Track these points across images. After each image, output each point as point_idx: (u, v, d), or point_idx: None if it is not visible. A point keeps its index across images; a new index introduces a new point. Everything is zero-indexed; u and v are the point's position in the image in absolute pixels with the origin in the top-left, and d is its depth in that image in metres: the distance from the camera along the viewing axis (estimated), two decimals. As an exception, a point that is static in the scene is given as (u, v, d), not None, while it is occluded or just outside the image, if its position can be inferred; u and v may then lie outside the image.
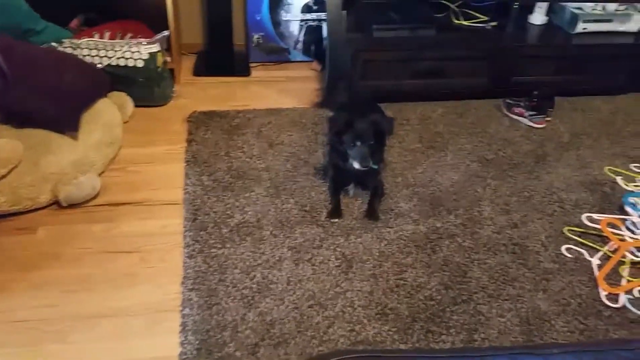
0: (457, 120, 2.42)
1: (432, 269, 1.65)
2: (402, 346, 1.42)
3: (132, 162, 2.09)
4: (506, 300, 1.56)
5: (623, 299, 1.57)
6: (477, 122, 2.41)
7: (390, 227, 1.80)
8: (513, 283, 1.62)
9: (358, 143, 1.82)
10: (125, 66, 2.35)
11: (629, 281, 1.64)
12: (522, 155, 2.20)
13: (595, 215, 1.86)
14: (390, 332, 1.45)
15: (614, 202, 1.95)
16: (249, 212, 1.82)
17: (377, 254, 1.69)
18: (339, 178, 1.93)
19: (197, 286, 1.55)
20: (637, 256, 1.71)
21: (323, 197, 1.91)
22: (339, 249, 1.70)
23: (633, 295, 1.59)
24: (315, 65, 2.83)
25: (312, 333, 1.43)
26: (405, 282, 1.60)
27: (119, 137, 2.14)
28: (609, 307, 1.55)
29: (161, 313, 1.50)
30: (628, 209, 1.88)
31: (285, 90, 2.61)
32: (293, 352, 1.39)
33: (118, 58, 2.34)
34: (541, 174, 2.09)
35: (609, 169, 2.12)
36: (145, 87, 2.40)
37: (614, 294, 1.59)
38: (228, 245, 1.69)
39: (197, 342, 1.40)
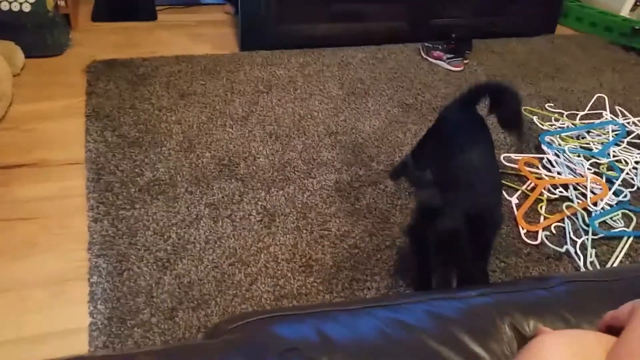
0: (377, 65, 2.36)
1: (355, 217, 1.61)
2: (328, 297, 1.38)
3: (25, 120, 1.87)
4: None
5: (541, 236, 1.61)
6: (397, 67, 2.37)
7: (312, 178, 1.73)
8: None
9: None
10: (10, 11, 2.07)
11: (546, 218, 1.68)
12: (441, 99, 2.18)
13: (513, 155, 1.89)
14: (315, 284, 1.41)
15: (531, 142, 1.98)
16: (161, 169, 1.69)
17: (300, 205, 1.63)
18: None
19: (105, 252, 1.42)
20: (553, 193, 1.76)
21: (241, 149, 1.81)
22: (260, 203, 1.62)
23: (550, 232, 1.64)
24: (228, 8, 2.65)
25: (234, 291, 1.36)
26: (329, 232, 1.55)
27: (9, 93, 1.91)
28: (528, 244, 1.59)
29: (66, 283, 1.36)
30: (544, 147, 1.92)
31: (196, 36, 2.43)
32: (214, 312, 1.31)
33: (0, 2, 2.05)
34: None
35: (525, 109, 2.16)
36: (36, 34, 2.14)
37: (533, 232, 1.63)
38: (138, 206, 1.56)
39: (107, 311, 1.29)
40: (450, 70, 2.38)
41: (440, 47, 2.40)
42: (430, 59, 2.42)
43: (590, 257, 1.57)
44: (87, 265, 1.39)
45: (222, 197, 1.62)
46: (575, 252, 1.57)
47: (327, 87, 2.18)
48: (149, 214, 1.54)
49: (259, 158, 1.78)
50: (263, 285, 1.38)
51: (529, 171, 1.82)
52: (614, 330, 0.65)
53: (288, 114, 2.00)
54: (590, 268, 1.53)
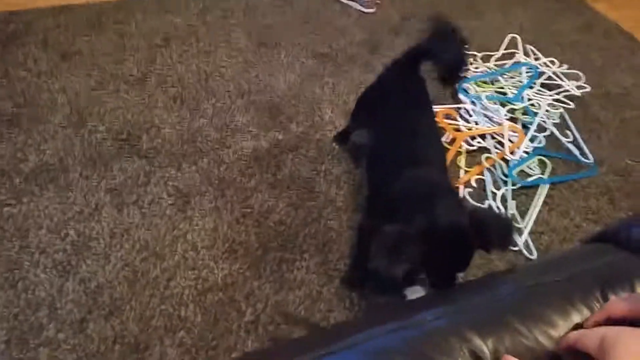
0: (287, 9, 2.17)
1: (278, 190, 1.50)
2: (256, 283, 1.29)
3: None
4: (355, 210, 1.49)
5: (463, 192, 1.60)
6: (308, 10, 2.19)
7: (227, 147, 1.58)
8: (360, 190, 1.54)
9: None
10: None
11: (466, 172, 1.67)
12: (356, 46, 2.06)
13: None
14: (241, 270, 1.31)
15: (447, 90, 1.94)
16: (48, 152, 1.46)
17: (217, 182, 1.49)
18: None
19: (-9, 261, 1.22)
20: (472, 145, 1.74)
21: (142, 118, 1.60)
22: (170, 183, 1.45)
23: (472, 187, 1.63)
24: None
25: (150, 291, 1.23)
26: (252, 210, 1.44)
27: None
28: (451, 201, 1.57)
29: (-55, 303, 1.16)
30: (461, 96, 1.88)
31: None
32: (130, 318, 1.18)
33: None
34: (376, 66, 1.99)
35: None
36: None
37: (455, 187, 1.61)
38: (26, 200, 1.34)
39: (4, 332, 1.12)
40: (363, 11, 2.24)
41: (351, -14, 2.24)
42: (342, 0, 2.27)
43: (511, 209, 1.59)
44: (-31, 279, 1.19)
45: (125, 179, 1.44)
46: (497, 206, 1.58)
47: (233, 37, 1.97)
48: (39, 208, 1.33)
49: (163, 128, 1.59)
50: (183, 280, 1.26)
51: (447, 123, 1.78)
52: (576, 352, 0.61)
53: (192, 72, 1.80)
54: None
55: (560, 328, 0.71)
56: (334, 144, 1.64)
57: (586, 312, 0.71)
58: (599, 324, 0.66)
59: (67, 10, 1.90)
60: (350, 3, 2.26)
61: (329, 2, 2.26)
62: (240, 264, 1.32)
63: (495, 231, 0.98)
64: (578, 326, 0.69)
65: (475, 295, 0.77)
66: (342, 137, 1.66)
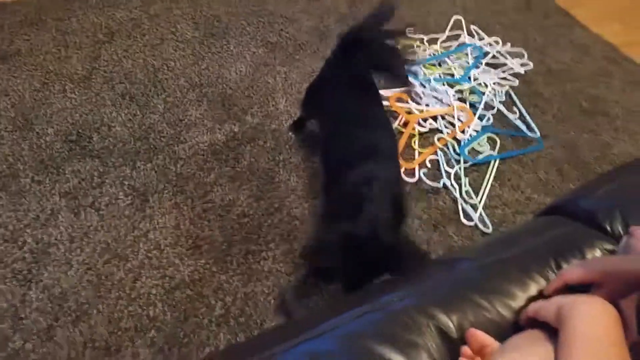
0: (233, -2, 2.14)
1: (239, 182, 1.50)
2: (224, 277, 1.29)
3: None
4: (314, 198, 1.52)
5: (418, 173, 1.65)
6: (254, -2, 2.17)
7: (183, 142, 1.56)
8: (319, 177, 1.57)
9: None
10: None
11: (420, 153, 1.72)
12: (305, 34, 2.06)
13: (383, 92, 1.87)
14: (208, 266, 1.31)
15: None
16: (-5, 158, 1.40)
17: (175, 178, 1.47)
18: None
19: (-57, 276, 1.17)
20: (424, 127, 1.79)
21: (91, 117, 1.56)
22: (126, 182, 1.43)
23: (426, 167, 1.68)
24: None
25: (117, 293, 1.22)
26: (213, 204, 1.44)
27: None
28: (408, 183, 1.62)
29: None
30: (411, 79, 1.93)
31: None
32: (99, 322, 1.16)
33: None
34: (326, 53, 2.00)
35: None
36: None
37: (411, 169, 1.66)
38: (-25, 210, 1.29)
39: (-36, 348, 1.08)
40: (309, -2, 2.24)
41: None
42: (287, -14, 2.26)
43: (465, 186, 1.65)
44: None
45: (79, 182, 1.40)
46: (451, 184, 1.64)
47: (179, 28, 1.94)
48: (-9, 217, 1.28)
49: (114, 127, 1.56)
50: (149, 280, 1.25)
51: (399, 107, 1.82)
52: (537, 322, 0.66)
53: (139, 66, 1.76)
54: (466, 197, 1.62)
55: (519, 299, 0.76)
56: (290, 133, 1.65)
57: (543, 282, 0.77)
58: (557, 291, 0.71)
59: (1, 8, 1.81)
60: (297, -11, 2.25)
61: (275, -11, 2.25)
62: (206, 259, 1.32)
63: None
64: (536, 297, 0.75)
65: (438, 274, 0.81)
66: (297, 126, 1.67)
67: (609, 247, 0.83)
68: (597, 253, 0.82)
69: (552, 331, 0.62)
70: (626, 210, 0.93)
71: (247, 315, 1.23)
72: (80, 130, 1.51)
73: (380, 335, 0.69)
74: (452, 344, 0.69)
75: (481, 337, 0.66)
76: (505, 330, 0.70)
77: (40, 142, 1.46)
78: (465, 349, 0.67)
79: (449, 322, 0.71)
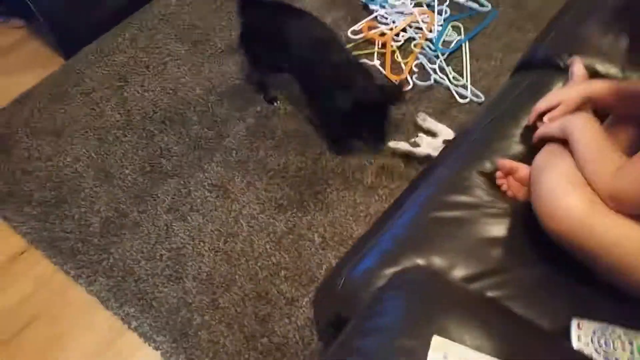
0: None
1: (282, 147, 1.86)
2: (308, 217, 1.68)
3: None
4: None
5: (411, 80, 2.00)
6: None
7: (227, 136, 1.91)
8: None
9: None
10: None
11: (405, 63, 2.06)
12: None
13: (355, 27, 2.19)
14: (293, 214, 1.70)
15: (358, 6, 2.28)
16: (102, 209, 1.77)
17: (236, 164, 1.83)
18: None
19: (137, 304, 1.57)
20: (399, 41, 2.12)
21: (151, 148, 1.90)
22: (206, 183, 1.80)
23: (415, 73, 2.03)
24: (17, 22, 2.43)
25: (244, 258, 1.62)
26: (274, 170, 1.81)
27: None
28: (405, 91, 1.97)
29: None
30: (371, 6, 2.23)
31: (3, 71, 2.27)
32: (243, 282, 1.57)
33: None
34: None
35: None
36: None
37: (404, 79, 2.00)
38: (113, 250, 1.67)
39: (166, 334, 1.49)
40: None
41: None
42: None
43: (450, 73, 2.00)
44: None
45: (172, 198, 1.77)
46: (440, 77, 2.00)
47: (171, 49, 2.20)
48: (127, 249, 1.66)
49: (171, 148, 1.90)
50: (260, 240, 1.65)
51: (373, 33, 2.15)
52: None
53: (160, 93, 2.05)
54: (455, 82, 1.98)
55: (519, 133, 1.14)
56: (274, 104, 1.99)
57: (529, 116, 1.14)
58: (535, 119, 1.08)
59: (25, 98, 2.11)
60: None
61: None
62: (290, 210, 1.71)
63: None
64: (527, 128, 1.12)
65: (459, 139, 1.19)
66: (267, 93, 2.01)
67: (566, 80, 1.20)
68: (559, 85, 1.19)
69: (560, 141, 0.99)
70: (570, 46, 1.29)
71: (338, 234, 1.63)
72: (149, 161, 1.86)
73: (442, 194, 1.07)
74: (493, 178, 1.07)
75: (509, 163, 1.04)
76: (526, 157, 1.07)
77: (126, 182, 1.82)
78: (498, 173, 1.05)
79: (489, 164, 1.09)
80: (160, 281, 1.60)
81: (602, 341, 0.83)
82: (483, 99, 1.93)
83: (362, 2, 2.27)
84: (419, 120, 1.84)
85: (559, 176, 0.92)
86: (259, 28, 1.86)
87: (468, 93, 1.94)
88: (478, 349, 0.67)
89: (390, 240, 1.03)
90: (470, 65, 2.04)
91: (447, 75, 2.00)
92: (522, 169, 1.04)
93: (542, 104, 1.08)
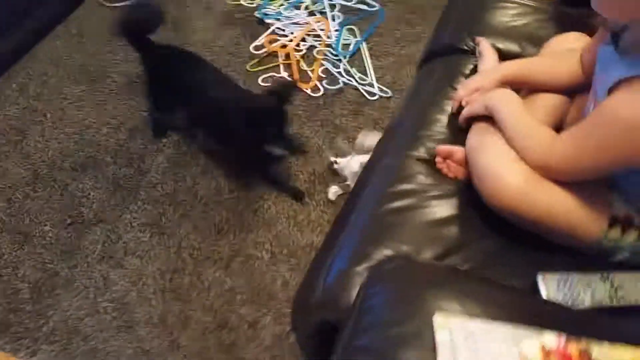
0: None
1: (208, 172, 1.84)
2: (255, 231, 1.67)
3: None
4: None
5: (320, 86, 2.05)
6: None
7: (147, 172, 1.84)
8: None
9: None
10: None
11: (312, 71, 2.12)
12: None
13: (256, 43, 2.20)
14: (239, 231, 1.68)
15: (254, 22, 2.30)
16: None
17: (164, 198, 1.77)
18: None
19: None
20: (301, 50, 2.17)
21: (70, 202, 1.78)
22: (135, 223, 1.72)
23: (323, 78, 2.09)
24: None
25: (197, 292, 1.57)
26: (206, 195, 1.77)
27: None
28: (317, 97, 2.02)
29: None
30: (267, 20, 2.27)
31: None
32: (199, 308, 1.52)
33: None
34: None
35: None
36: None
37: (313, 87, 2.05)
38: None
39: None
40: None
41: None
42: None
43: (356, 74, 2.09)
44: None
45: (103, 245, 1.67)
46: (347, 79, 2.07)
47: (66, 91, 2.08)
48: (65, 309, 1.55)
49: (91, 193, 1.80)
50: (210, 271, 1.61)
51: (275, 46, 2.18)
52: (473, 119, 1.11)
53: (66, 139, 1.93)
54: (361, 81, 2.06)
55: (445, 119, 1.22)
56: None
57: (451, 103, 1.23)
58: (459, 107, 1.16)
59: None
60: None
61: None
62: (232, 233, 1.68)
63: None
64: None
65: (390, 132, 1.26)
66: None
67: (474, 61, 1.31)
68: (470, 67, 1.29)
69: (486, 118, 1.07)
70: (470, 29, 1.40)
71: (286, 246, 1.64)
72: (68, 213, 1.74)
73: (389, 186, 1.12)
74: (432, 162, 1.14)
75: (445, 148, 1.12)
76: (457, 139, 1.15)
77: (48, 239, 1.68)
78: (437, 158, 1.12)
79: (424, 153, 1.16)
80: (110, 335, 1.50)
81: (566, 289, 0.92)
82: (390, 93, 2.04)
83: (257, 17, 2.29)
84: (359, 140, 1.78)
85: (494, 157, 1.00)
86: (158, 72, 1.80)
87: (376, 90, 2.04)
88: (472, 317, 0.72)
89: (352, 240, 1.06)
90: (373, 64, 2.14)
91: (353, 77, 2.08)
92: (459, 152, 1.11)
93: (461, 92, 1.17)
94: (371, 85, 2.06)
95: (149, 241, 1.68)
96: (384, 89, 2.04)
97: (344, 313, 0.89)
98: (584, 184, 0.97)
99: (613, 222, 0.98)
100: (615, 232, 0.99)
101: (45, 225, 1.72)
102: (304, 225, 1.70)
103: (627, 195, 0.99)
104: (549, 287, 0.92)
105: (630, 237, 0.99)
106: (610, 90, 0.87)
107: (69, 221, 1.73)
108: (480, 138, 1.06)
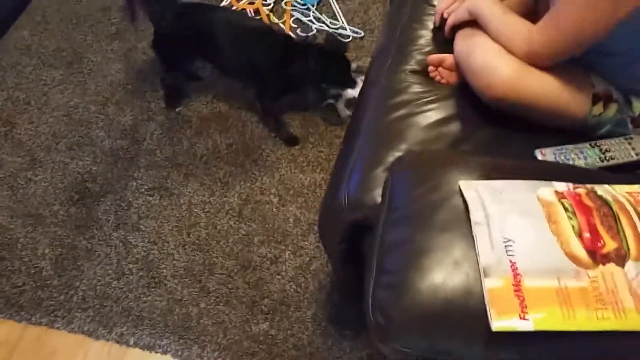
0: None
1: (202, 132, 1.89)
2: (261, 178, 1.75)
3: None
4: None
5: (294, 34, 2.11)
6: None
7: (144, 155, 1.89)
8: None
9: None
10: None
11: (283, 22, 2.17)
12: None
13: (224, 3, 2.23)
14: (245, 181, 1.75)
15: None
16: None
17: (166, 162, 1.83)
18: None
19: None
20: (269, 4, 2.21)
21: (79, 174, 1.82)
22: (143, 188, 1.78)
23: (296, 28, 2.14)
24: None
25: (216, 240, 1.65)
26: (206, 154, 1.83)
27: None
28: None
29: None
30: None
31: None
32: (219, 255, 1.61)
33: None
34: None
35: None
36: None
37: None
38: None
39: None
40: None
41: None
42: None
43: (326, 20, 2.15)
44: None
45: (114, 215, 1.73)
46: (319, 26, 2.14)
47: (45, 77, 2.08)
48: (91, 277, 1.61)
49: (94, 168, 1.84)
50: (224, 220, 1.68)
51: (243, 4, 2.21)
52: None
53: (58, 122, 1.95)
54: (333, 26, 2.13)
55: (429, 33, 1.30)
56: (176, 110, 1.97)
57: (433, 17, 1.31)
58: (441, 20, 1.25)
59: None
60: None
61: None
62: (238, 184, 1.76)
63: None
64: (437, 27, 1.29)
65: (379, 54, 1.34)
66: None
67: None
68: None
69: (469, 24, 1.16)
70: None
71: (291, 188, 1.72)
72: (74, 190, 1.78)
73: (387, 99, 1.21)
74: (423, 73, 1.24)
75: (436, 56, 1.21)
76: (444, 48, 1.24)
77: (60, 218, 1.73)
78: (430, 67, 1.21)
79: (414, 65, 1.25)
80: (141, 292, 1.57)
81: (562, 157, 1.04)
82: (363, 33, 2.11)
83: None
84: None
85: (484, 54, 1.10)
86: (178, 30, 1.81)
87: (348, 32, 2.11)
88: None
89: (364, 152, 1.15)
90: (341, 8, 2.20)
91: (324, 22, 2.14)
92: (449, 58, 1.21)
93: (441, 5, 1.26)
94: (343, 28, 2.13)
95: (159, 203, 1.74)
96: (356, 29, 2.11)
97: (370, 210, 0.98)
98: (568, 68, 1.08)
99: (595, 99, 1.10)
100: (598, 108, 1.11)
101: (54, 205, 1.76)
102: (303, 166, 1.78)
103: (603, 75, 1.11)
104: (547, 158, 1.04)
105: (611, 111, 1.12)
106: None
107: (76, 197, 1.77)
108: (468, 41, 1.15)
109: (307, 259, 1.59)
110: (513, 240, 0.73)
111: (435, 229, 0.78)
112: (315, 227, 1.59)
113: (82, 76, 2.09)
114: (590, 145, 1.09)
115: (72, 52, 2.17)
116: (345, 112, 1.85)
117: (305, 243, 1.62)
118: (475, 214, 0.76)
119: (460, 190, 0.81)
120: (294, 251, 1.61)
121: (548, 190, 0.81)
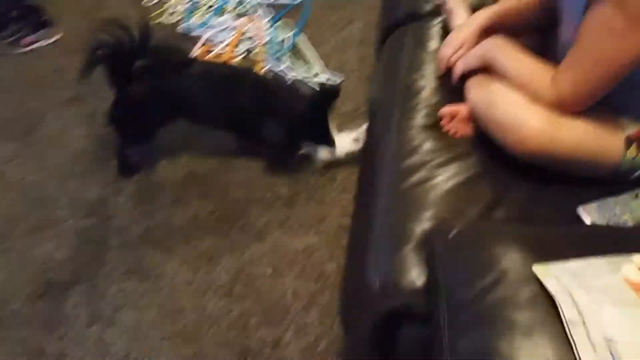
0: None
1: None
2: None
3: None
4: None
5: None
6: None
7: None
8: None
9: None
10: None
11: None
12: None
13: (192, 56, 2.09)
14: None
15: (178, 38, 2.17)
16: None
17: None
18: None
19: None
20: (238, 55, 2.08)
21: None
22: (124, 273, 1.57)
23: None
24: None
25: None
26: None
27: None
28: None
29: None
30: (195, 32, 2.15)
31: None
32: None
33: None
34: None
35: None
36: None
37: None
38: None
39: None
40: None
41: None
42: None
43: (301, 67, 2.03)
44: None
45: (87, 305, 1.51)
46: (295, 74, 2.01)
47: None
48: None
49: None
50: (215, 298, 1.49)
51: (212, 57, 2.07)
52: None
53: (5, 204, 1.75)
54: (310, 71, 2.00)
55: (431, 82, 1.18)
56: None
57: (437, 65, 1.19)
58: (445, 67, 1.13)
59: None
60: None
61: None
62: (224, 256, 1.57)
63: None
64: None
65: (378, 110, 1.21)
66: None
67: (440, 22, 1.28)
68: (439, 26, 1.26)
69: (480, 70, 1.04)
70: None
71: (285, 255, 1.55)
72: (37, 281, 1.55)
73: (398, 162, 1.07)
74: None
75: (448, 108, 1.08)
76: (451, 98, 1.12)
77: (24, 317, 1.50)
78: (442, 121, 1.09)
79: (422, 119, 1.12)
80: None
81: (606, 213, 0.92)
82: (342, 76, 1.99)
83: (179, 32, 2.18)
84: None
85: (508, 106, 0.98)
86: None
87: (323, 79, 1.99)
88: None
89: (386, 224, 1.00)
90: (313, 53, 2.09)
91: (298, 72, 2.02)
92: (463, 109, 1.09)
93: (447, 50, 1.14)
94: (316, 75, 2.01)
95: (136, 289, 1.52)
96: (333, 73, 2.00)
97: (410, 297, 0.83)
98: (597, 112, 0.97)
99: (628, 142, 1.00)
100: (632, 151, 1.00)
101: (15, 302, 1.52)
102: (296, 229, 1.61)
103: (635, 114, 1.01)
104: (592, 215, 0.92)
105: (645, 152, 1.01)
106: (587, 6, 0.88)
107: (41, 291, 1.54)
108: (485, 90, 1.03)
109: (312, 338, 1.40)
110: (615, 341, 0.60)
111: (519, 333, 0.64)
112: (318, 299, 1.44)
113: (39, 148, 1.89)
114: (630, 196, 0.98)
115: (27, 120, 1.97)
116: (322, 162, 1.72)
117: (309, 319, 1.44)
118: (568, 312, 0.62)
119: (536, 277, 0.66)
120: (297, 330, 1.42)
121: (632, 268, 0.68)
